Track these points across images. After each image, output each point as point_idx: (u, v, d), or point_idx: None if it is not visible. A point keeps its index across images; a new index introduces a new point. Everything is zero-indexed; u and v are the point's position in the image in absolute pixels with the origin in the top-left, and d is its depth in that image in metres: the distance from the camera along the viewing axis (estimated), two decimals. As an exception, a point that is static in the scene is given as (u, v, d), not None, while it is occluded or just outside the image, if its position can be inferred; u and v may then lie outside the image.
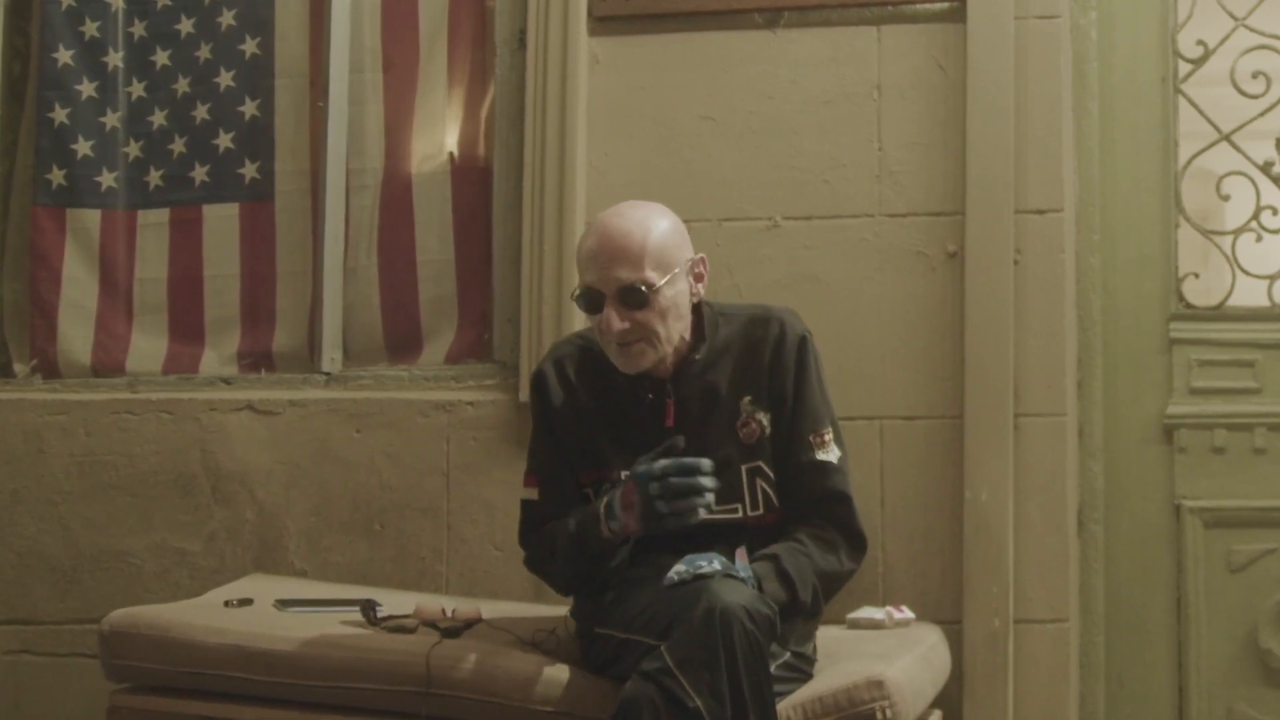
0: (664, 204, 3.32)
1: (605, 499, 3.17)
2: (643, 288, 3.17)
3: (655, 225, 3.23)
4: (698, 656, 2.87)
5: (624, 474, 3.19)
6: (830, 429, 3.33)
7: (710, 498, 3.08)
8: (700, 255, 3.31)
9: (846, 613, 3.80)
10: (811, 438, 3.29)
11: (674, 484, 3.04)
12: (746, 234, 4.17)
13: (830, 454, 3.31)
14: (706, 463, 3.07)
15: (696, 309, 3.32)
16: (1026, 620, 3.95)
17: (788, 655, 3.21)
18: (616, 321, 3.18)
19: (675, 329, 3.25)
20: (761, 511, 3.28)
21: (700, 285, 3.31)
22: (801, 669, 3.27)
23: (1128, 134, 4.15)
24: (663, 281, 3.19)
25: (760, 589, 3.05)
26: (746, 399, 3.30)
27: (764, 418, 3.28)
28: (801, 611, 3.19)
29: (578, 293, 3.25)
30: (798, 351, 3.32)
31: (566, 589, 3.40)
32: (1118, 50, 4.16)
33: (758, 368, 3.31)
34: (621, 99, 4.26)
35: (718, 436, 3.27)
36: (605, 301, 3.19)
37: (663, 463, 3.07)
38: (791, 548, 3.21)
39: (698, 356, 3.31)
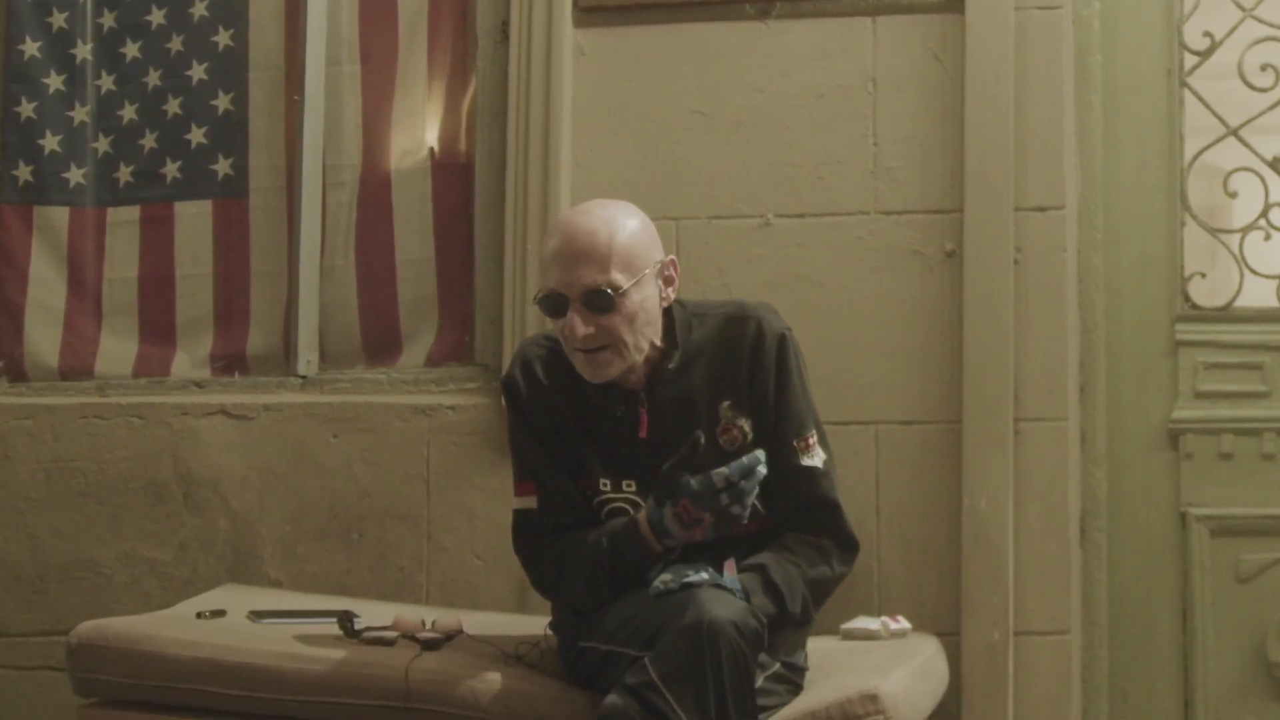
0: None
1: (646, 515, 3.10)
2: (609, 291, 3.08)
3: (622, 225, 3.14)
4: (683, 670, 2.84)
5: (648, 498, 3.14)
6: (815, 432, 3.26)
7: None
8: (670, 257, 3.23)
9: (840, 623, 3.76)
10: (796, 443, 3.22)
11: (744, 488, 3.03)
12: (737, 232, 4.13)
13: (815, 458, 3.24)
14: (760, 454, 3.05)
15: (668, 312, 3.23)
16: (1027, 631, 3.93)
17: (777, 666, 3.16)
18: (580, 326, 3.09)
19: (644, 335, 3.16)
20: (747, 521, 3.16)
21: (670, 289, 3.22)
22: (792, 680, 3.21)
23: (1132, 129, 4.13)
24: (630, 284, 3.10)
25: (748, 601, 3.00)
26: (725, 404, 3.21)
27: (745, 424, 3.21)
28: (791, 622, 3.14)
29: (540, 296, 3.16)
30: (777, 351, 3.23)
31: (586, 605, 3.26)
32: (1121, 42, 4.15)
33: (735, 370, 3.23)
34: (607, 92, 4.23)
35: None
36: (569, 306, 3.10)
37: (723, 472, 3.02)
38: (779, 557, 3.16)
39: (671, 365, 3.22)
